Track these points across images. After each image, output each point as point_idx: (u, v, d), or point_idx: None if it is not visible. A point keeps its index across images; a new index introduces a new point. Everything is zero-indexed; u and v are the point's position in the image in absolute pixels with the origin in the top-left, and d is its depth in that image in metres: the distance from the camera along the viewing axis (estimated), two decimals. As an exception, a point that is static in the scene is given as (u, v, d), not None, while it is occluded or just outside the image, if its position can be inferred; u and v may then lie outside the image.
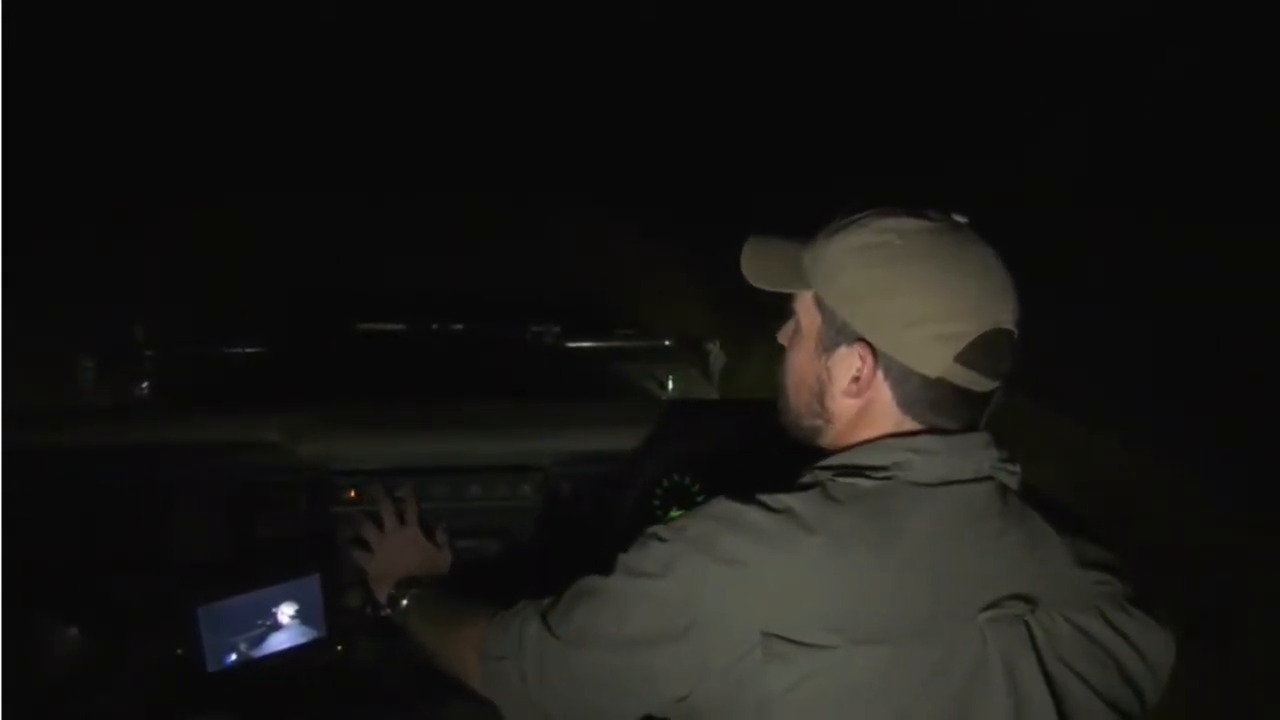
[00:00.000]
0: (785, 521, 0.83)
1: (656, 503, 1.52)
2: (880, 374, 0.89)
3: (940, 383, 0.87)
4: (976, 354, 0.86)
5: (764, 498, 0.86)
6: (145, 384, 2.11)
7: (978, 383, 0.87)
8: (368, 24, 7.48)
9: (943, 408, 0.89)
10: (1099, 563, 0.89)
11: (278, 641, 1.37)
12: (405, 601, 1.28)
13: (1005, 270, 0.88)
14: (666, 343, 2.41)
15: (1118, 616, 0.87)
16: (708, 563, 0.83)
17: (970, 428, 0.90)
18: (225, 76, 6.72)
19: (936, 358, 0.86)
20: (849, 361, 0.90)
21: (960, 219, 0.91)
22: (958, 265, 0.87)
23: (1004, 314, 0.87)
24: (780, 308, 1.01)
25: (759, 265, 0.99)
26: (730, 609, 0.81)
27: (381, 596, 1.32)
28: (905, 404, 0.89)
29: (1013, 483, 0.89)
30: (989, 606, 0.82)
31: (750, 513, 0.84)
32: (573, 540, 1.49)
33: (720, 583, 0.82)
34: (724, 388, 2.35)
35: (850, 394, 0.91)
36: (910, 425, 0.90)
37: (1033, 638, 0.83)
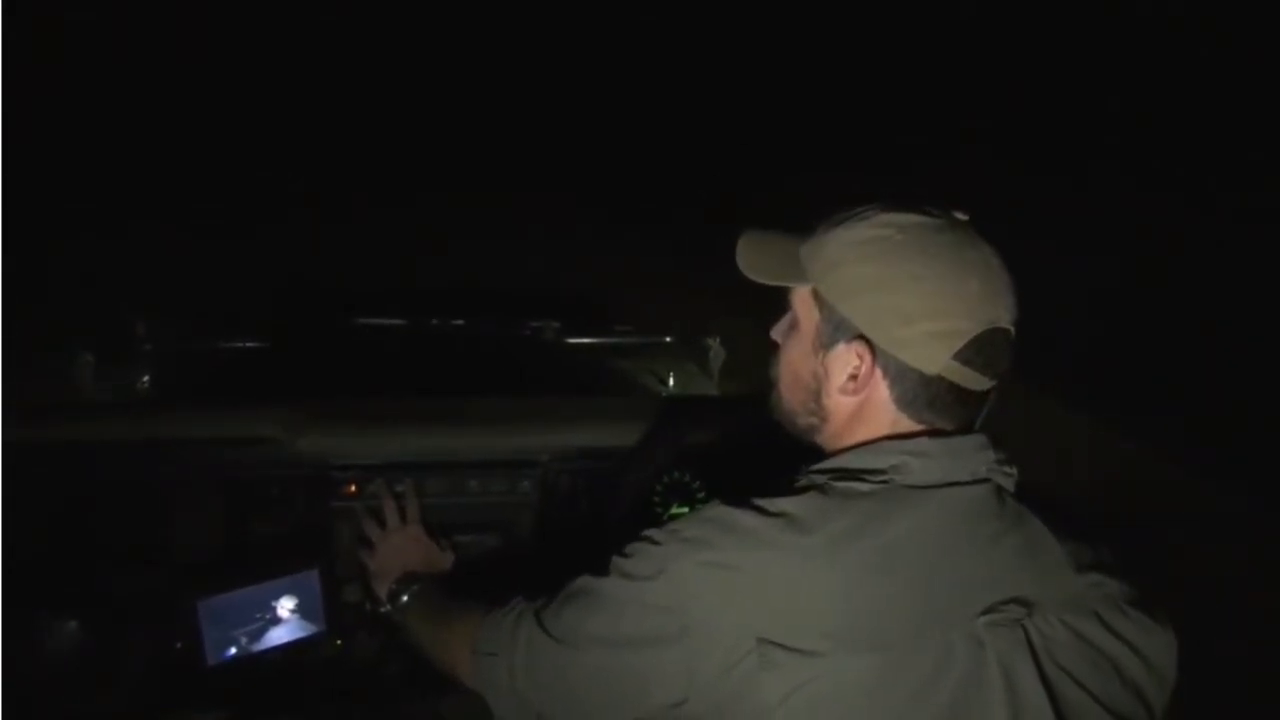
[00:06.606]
0: (780, 525, 0.82)
1: (656, 498, 1.52)
2: (879, 372, 0.89)
3: (938, 381, 0.87)
4: (974, 352, 0.86)
5: (760, 501, 0.85)
6: (145, 378, 2.10)
7: (975, 381, 0.87)
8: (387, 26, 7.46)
9: (939, 406, 0.88)
10: (1096, 565, 0.88)
11: (277, 636, 1.37)
12: (405, 598, 1.27)
13: (1005, 270, 0.88)
14: (666, 339, 2.40)
15: (1116, 619, 0.86)
16: (700, 567, 0.82)
17: (967, 428, 0.90)
18: (230, 71, 6.71)
19: (934, 355, 0.86)
20: (846, 359, 0.90)
21: (961, 216, 0.90)
22: (957, 262, 0.86)
23: (1001, 313, 0.87)
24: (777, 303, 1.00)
25: (756, 258, 0.98)
26: (722, 615, 0.80)
27: (381, 592, 1.32)
28: (902, 402, 0.89)
29: (1009, 485, 0.89)
30: (987, 611, 0.81)
31: (745, 516, 0.83)
32: (571, 536, 1.49)
33: (712, 588, 0.81)
34: (724, 383, 2.35)
35: (847, 392, 0.91)
36: (907, 424, 0.89)
37: (1030, 642, 0.82)
